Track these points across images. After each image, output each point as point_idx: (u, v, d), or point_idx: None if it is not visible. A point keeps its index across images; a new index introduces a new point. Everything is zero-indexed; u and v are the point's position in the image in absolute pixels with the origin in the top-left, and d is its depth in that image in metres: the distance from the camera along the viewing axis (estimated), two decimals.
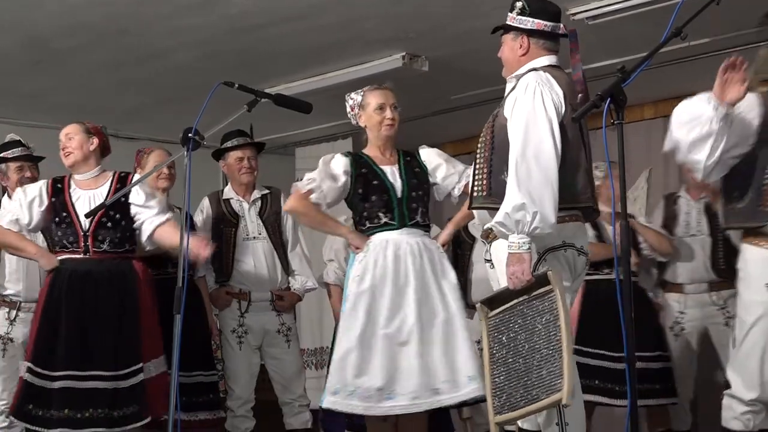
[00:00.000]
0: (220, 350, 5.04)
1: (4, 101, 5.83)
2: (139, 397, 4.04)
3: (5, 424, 4.54)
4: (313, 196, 3.96)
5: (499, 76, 5.58)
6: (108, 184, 4.26)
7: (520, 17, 3.34)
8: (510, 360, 3.15)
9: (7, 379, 4.63)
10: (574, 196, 3.24)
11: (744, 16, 4.53)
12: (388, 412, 3.77)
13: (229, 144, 4.93)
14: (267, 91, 3.94)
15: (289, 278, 4.90)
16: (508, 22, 3.38)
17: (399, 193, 3.96)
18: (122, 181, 4.28)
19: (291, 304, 4.89)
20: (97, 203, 4.15)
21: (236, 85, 3.42)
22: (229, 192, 4.96)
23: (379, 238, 3.92)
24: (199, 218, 4.91)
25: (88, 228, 4.14)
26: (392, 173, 4.01)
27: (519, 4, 3.34)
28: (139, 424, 4.05)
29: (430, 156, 4.12)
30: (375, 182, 3.97)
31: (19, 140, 4.93)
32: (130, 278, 4.18)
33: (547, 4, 3.38)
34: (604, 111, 2.65)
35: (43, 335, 4.08)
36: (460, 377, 3.75)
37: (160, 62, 5.17)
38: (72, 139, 4.26)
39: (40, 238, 4.50)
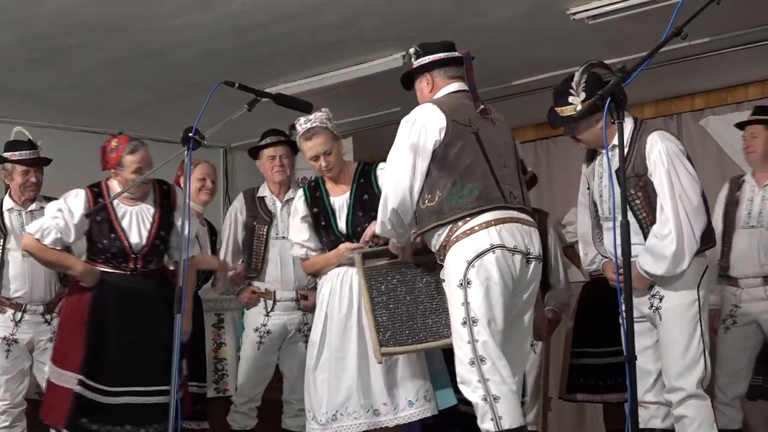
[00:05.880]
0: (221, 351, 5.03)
1: (4, 99, 5.82)
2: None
3: (6, 423, 4.54)
4: (302, 254, 4.24)
5: (498, 76, 5.59)
6: (151, 198, 4.26)
7: (417, 61, 3.64)
8: (391, 305, 3.77)
9: (10, 380, 4.62)
10: (476, 200, 3.39)
11: (744, 16, 4.54)
12: (337, 431, 3.93)
13: (262, 142, 4.96)
14: (267, 90, 3.94)
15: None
16: (410, 71, 3.68)
17: (344, 230, 4.08)
18: (165, 195, 4.29)
19: (315, 304, 4.87)
20: (144, 222, 4.18)
21: (237, 85, 3.43)
22: (263, 190, 5.00)
23: (335, 269, 4.08)
24: (232, 215, 4.97)
25: (140, 250, 4.16)
26: (340, 207, 4.12)
27: (412, 51, 3.66)
28: None
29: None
30: (323, 223, 4.12)
31: (29, 140, 4.80)
32: (168, 294, 4.23)
33: (437, 42, 3.67)
34: (605, 110, 2.67)
35: (94, 349, 4.06)
36: (400, 401, 3.91)
37: (160, 61, 5.16)
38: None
39: None
